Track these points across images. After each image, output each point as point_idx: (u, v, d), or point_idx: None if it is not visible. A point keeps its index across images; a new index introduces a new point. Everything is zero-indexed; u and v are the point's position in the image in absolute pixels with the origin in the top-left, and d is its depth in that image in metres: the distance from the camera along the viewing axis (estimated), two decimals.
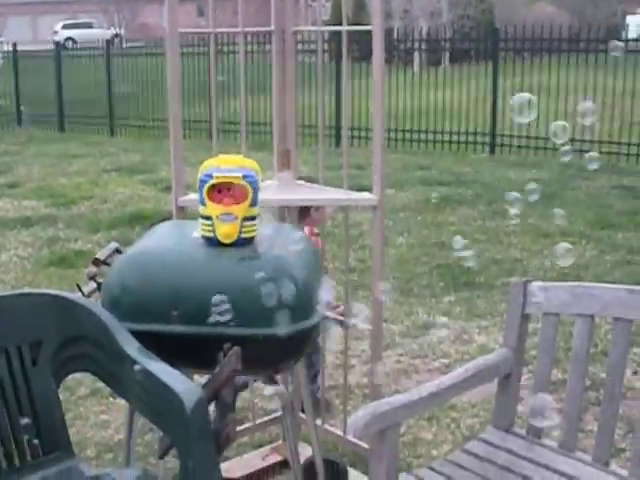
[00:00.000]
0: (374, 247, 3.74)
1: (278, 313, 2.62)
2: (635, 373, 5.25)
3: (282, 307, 2.63)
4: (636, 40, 15.18)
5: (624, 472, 3.13)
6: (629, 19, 34.31)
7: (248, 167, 2.80)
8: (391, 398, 3.07)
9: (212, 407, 2.54)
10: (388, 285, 3.65)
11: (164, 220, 3.29)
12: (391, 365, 5.54)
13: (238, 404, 4.82)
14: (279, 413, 3.42)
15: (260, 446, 4.40)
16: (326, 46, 14.92)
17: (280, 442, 4.27)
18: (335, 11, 32.13)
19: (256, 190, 2.76)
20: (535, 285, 3.40)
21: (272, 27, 3.89)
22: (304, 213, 4.57)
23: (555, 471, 3.15)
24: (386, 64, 3.71)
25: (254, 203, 2.76)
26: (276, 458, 4.20)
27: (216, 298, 2.62)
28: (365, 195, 3.71)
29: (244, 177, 2.73)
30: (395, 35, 19.80)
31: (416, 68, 18.29)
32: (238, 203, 2.73)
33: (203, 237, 2.80)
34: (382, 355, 3.97)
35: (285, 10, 3.90)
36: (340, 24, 3.75)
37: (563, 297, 3.33)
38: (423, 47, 17.62)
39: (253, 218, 2.78)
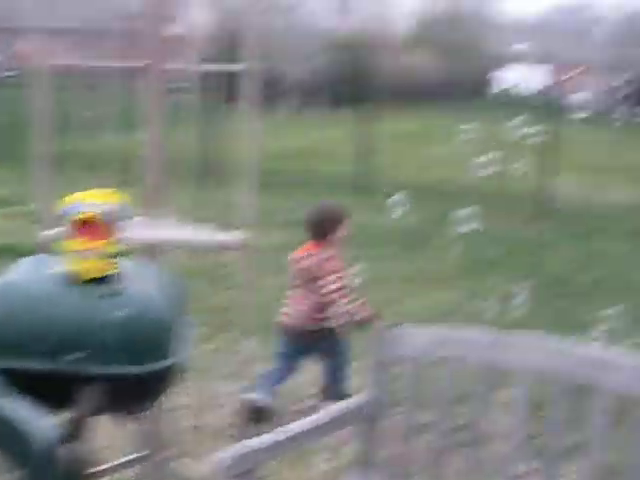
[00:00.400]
0: (245, 286, 3.72)
1: (132, 352, 2.57)
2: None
3: (137, 346, 2.58)
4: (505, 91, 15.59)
5: None
6: (496, 74, 35.77)
7: (113, 202, 2.75)
8: (253, 440, 3.04)
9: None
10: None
11: (31, 254, 3.21)
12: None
13: (99, 443, 4.75)
14: (139, 454, 3.35)
15: None
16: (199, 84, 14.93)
17: None
18: (212, 50, 32.22)
19: (119, 226, 2.71)
20: (399, 329, 3.43)
21: (142, 64, 3.86)
22: (325, 233, 4.89)
23: None
24: (258, 105, 3.71)
25: (116, 239, 2.71)
26: None
27: None
28: (232, 235, 3.69)
29: (107, 213, 2.68)
30: (268, 77, 19.93)
31: (288, 110, 18.42)
32: (100, 239, 2.68)
33: (65, 272, 2.74)
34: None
35: (156, 47, 3.88)
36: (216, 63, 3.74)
37: (427, 341, 3.36)
38: (296, 90, 17.74)
39: (115, 255, 2.72)
